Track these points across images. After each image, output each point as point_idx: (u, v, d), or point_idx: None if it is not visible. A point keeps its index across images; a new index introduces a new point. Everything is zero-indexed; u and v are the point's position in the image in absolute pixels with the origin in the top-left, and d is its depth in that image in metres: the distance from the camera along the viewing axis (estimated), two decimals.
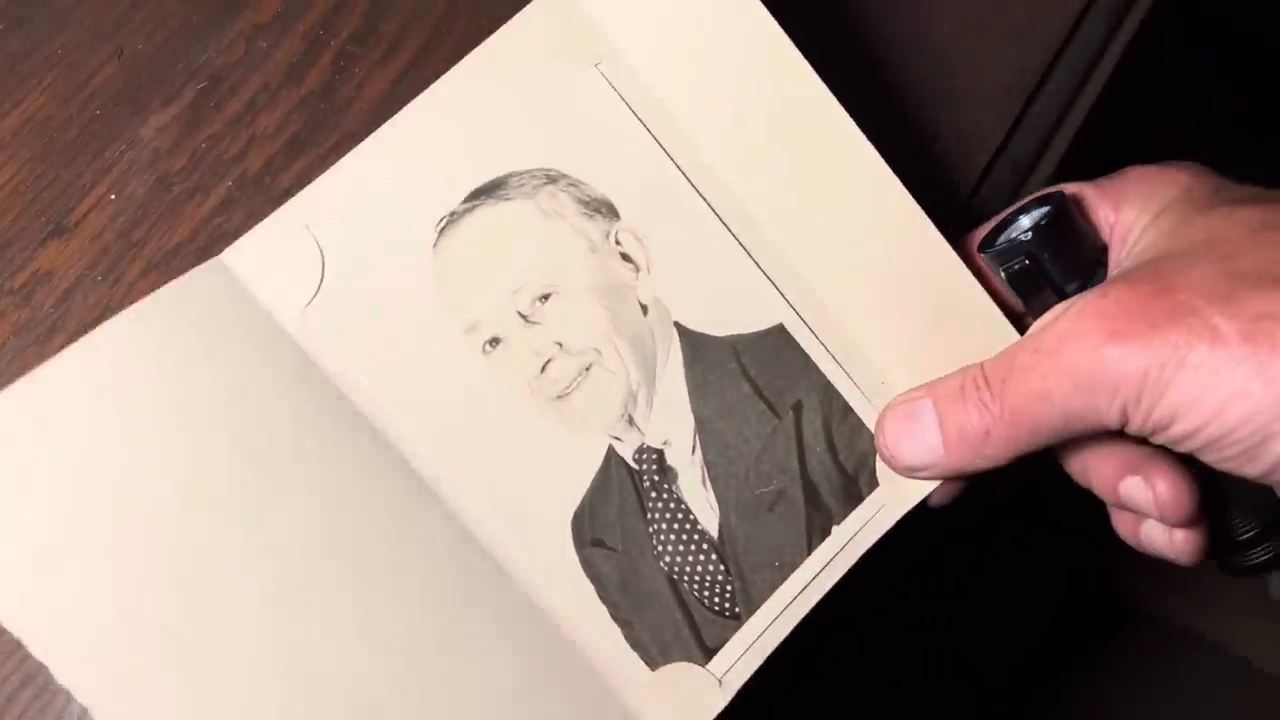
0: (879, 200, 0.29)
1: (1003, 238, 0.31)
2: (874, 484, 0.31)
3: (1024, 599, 0.69)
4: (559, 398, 0.29)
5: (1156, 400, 0.26)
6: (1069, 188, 0.31)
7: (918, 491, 0.31)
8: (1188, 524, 0.30)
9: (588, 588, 0.29)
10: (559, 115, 0.28)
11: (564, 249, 0.29)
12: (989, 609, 0.68)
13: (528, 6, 0.28)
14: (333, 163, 0.27)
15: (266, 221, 0.26)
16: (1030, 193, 0.32)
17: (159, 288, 0.24)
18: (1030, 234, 0.30)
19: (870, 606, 0.36)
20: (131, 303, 0.25)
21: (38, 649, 0.23)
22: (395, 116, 0.27)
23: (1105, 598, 0.70)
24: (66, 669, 0.23)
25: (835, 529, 0.30)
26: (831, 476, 0.31)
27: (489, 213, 0.28)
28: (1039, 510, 0.68)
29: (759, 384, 0.30)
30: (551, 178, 0.29)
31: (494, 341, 0.28)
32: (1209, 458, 0.27)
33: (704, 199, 0.29)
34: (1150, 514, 0.30)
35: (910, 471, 0.30)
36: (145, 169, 0.27)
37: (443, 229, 0.27)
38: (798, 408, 0.31)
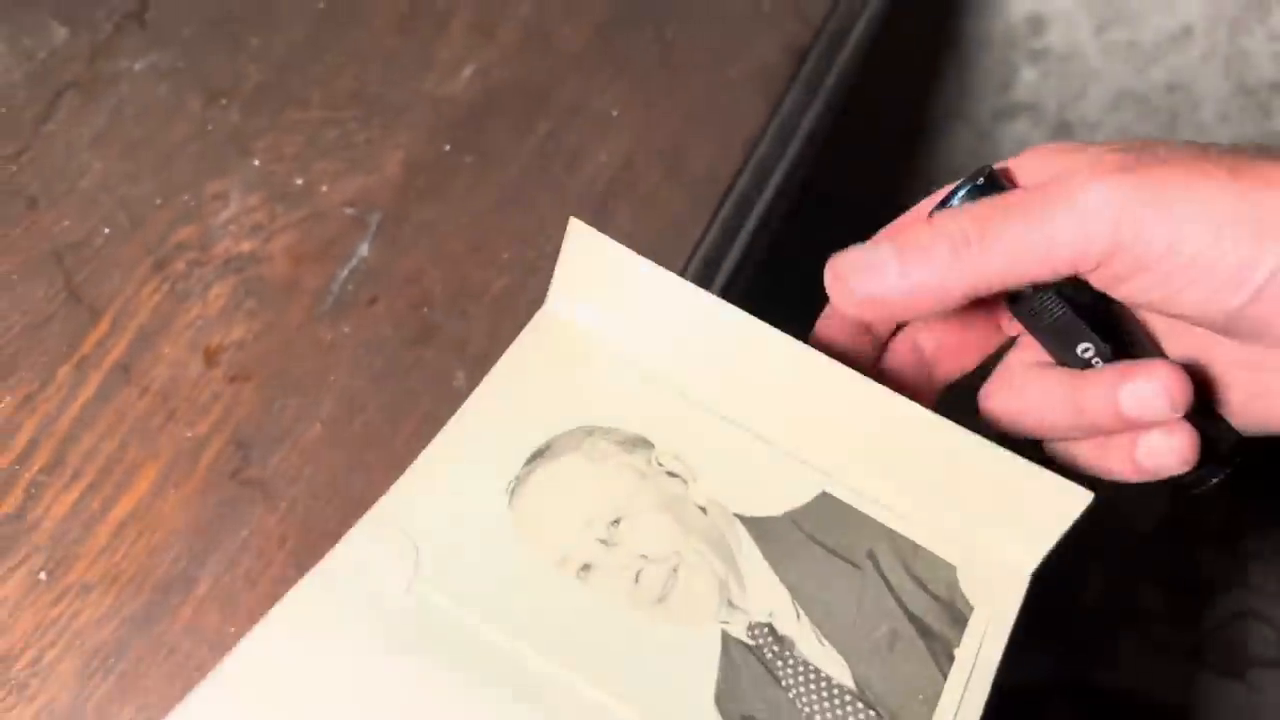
0: (813, 374, 0.34)
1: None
2: (970, 605, 0.33)
3: None
4: (659, 600, 0.32)
5: (1155, 229, 0.28)
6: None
7: (1015, 592, 0.34)
8: (1189, 407, 0.32)
9: None
10: (581, 387, 0.35)
11: (617, 481, 0.34)
12: None
13: (532, 322, 0.36)
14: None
15: (358, 525, 0.31)
16: None
17: None
18: (971, 186, 0.32)
19: None
20: None
21: None
22: (451, 420, 0.34)
23: None
24: None
25: (957, 651, 0.33)
26: (931, 607, 0.33)
27: (546, 469, 0.34)
28: None
29: (828, 545, 0.34)
30: (588, 431, 0.35)
31: (585, 568, 0.32)
32: (1189, 296, 0.29)
33: (717, 414, 0.35)
34: (1158, 410, 0.32)
35: (867, 303, 0.32)
36: None
37: (512, 492, 0.33)
38: (872, 556, 0.34)
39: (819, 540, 0.34)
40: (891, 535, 0.35)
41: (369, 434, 0.38)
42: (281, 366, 0.39)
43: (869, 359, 0.37)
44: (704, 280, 0.44)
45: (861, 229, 0.35)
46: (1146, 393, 0.32)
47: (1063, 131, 0.86)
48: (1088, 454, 0.35)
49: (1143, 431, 0.33)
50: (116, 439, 0.37)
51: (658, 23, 0.49)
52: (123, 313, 0.39)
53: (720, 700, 0.31)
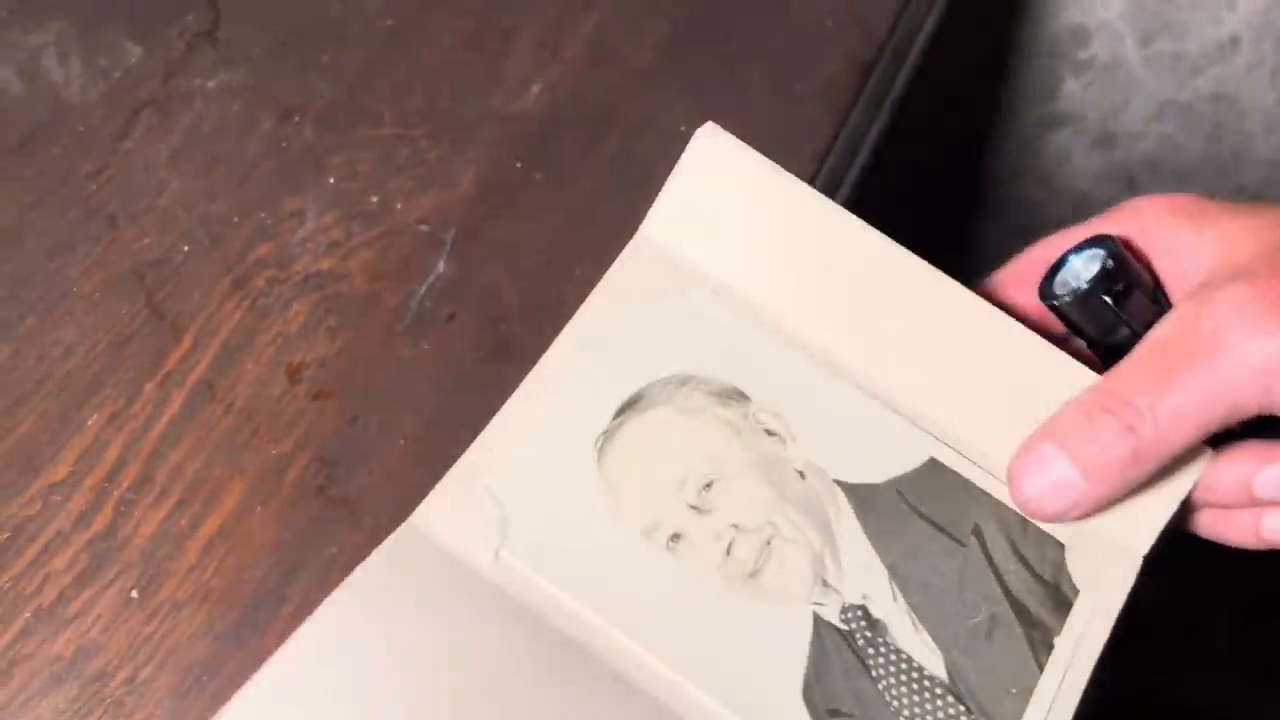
0: (963, 317, 0.32)
1: (1060, 283, 0.32)
2: (1075, 589, 0.31)
3: None
4: (751, 576, 0.30)
5: None
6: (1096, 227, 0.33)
7: (1125, 576, 0.31)
8: None
9: None
10: (675, 330, 0.33)
11: (711, 438, 0.32)
12: None
13: (623, 255, 0.34)
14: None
15: (445, 482, 0.30)
16: None
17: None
18: (1098, 278, 0.31)
19: None
20: None
21: None
22: (538, 364, 0.32)
23: None
24: None
25: (1058, 640, 0.30)
26: (1035, 591, 0.31)
27: (637, 422, 0.32)
28: None
29: (932, 519, 0.32)
30: (682, 380, 0.32)
31: (675, 537, 0.30)
32: None
33: (821, 367, 0.33)
34: None
35: (1059, 516, 0.31)
36: None
37: (601, 447, 0.31)
38: (978, 532, 0.32)
39: (923, 513, 0.32)
40: (1000, 509, 0.32)
41: (453, 450, 0.38)
42: (363, 384, 0.39)
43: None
44: None
45: (903, 238, 0.35)
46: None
47: (1105, 142, 0.86)
48: (1204, 521, 0.35)
49: (1271, 507, 0.33)
50: (202, 456, 0.37)
51: (722, 38, 0.49)
52: (204, 330, 0.39)
53: (808, 692, 0.29)
